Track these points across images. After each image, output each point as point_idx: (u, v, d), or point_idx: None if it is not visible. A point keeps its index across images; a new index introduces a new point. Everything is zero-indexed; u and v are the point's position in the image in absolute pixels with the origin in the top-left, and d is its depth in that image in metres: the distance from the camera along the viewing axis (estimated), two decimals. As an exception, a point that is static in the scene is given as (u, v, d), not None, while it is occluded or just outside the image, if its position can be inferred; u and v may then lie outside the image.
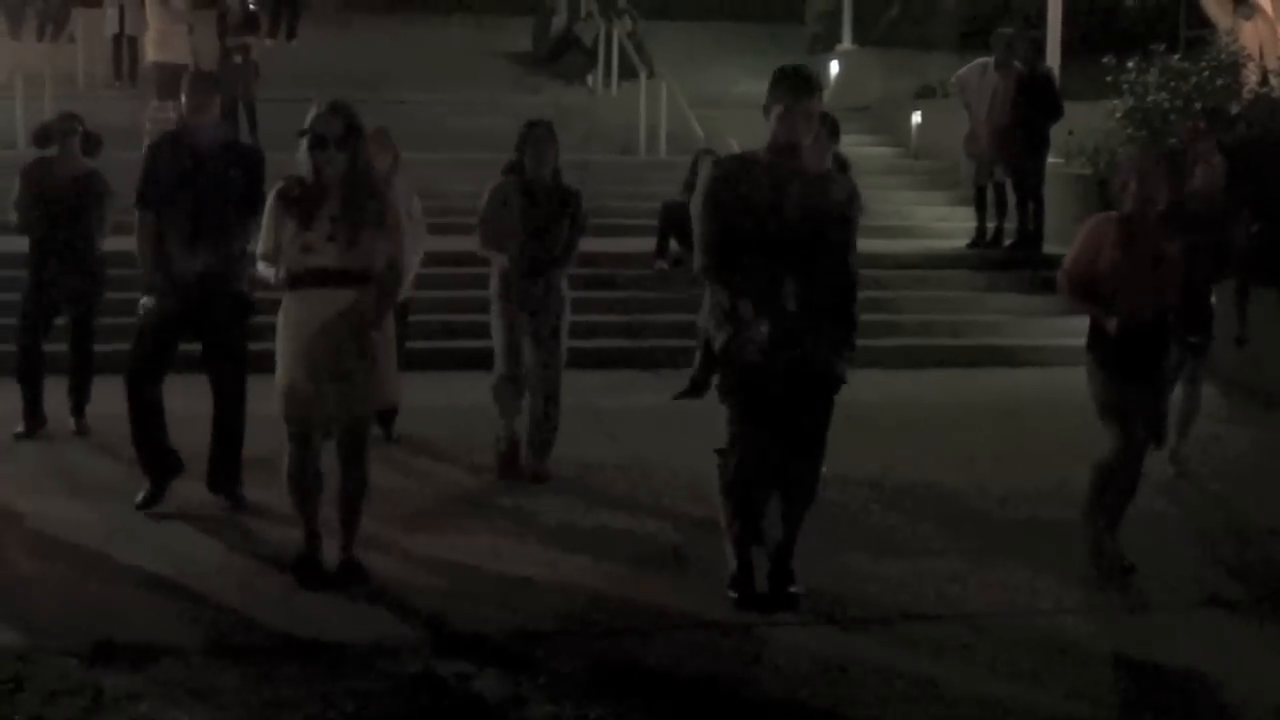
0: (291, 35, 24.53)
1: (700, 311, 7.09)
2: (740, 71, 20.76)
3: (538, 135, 9.18)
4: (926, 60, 22.16)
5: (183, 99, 8.41)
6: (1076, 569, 7.55)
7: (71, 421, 10.49)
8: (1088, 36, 20.43)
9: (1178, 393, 9.27)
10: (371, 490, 7.39)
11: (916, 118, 20.35)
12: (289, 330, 7.05)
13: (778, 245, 6.61)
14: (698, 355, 7.31)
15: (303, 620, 6.67)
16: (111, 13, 21.49)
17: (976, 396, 12.40)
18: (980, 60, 16.21)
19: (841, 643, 6.54)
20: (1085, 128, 16.96)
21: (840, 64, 23.27)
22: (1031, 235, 15.80)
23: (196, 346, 8.49)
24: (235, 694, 5.85)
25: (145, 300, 8.32)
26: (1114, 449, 7.54)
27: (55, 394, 10.52)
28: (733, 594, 6.94)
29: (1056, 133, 15.94)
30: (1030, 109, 15.28)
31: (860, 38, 23.80)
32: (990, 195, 16.28)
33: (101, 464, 9.58)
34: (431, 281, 12.09)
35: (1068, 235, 15.21)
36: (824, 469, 7.10)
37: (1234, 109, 15.76)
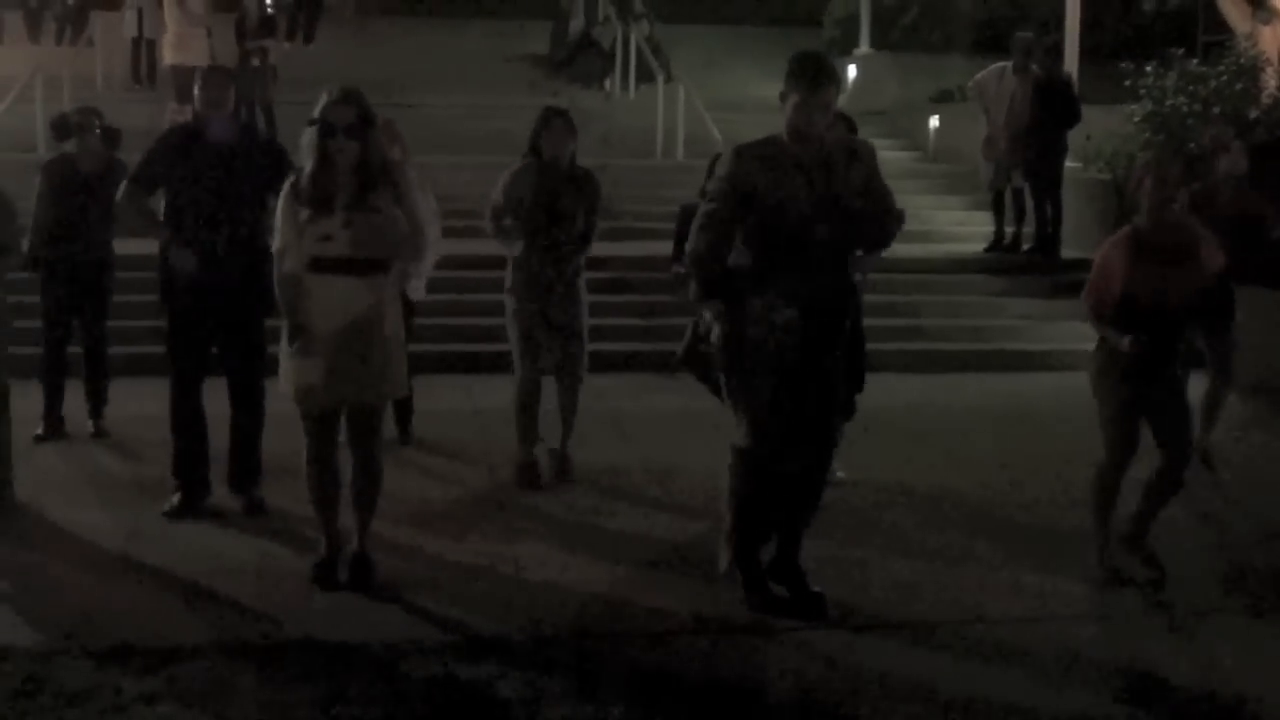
0: (309, 39, 24.59)
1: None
2: (758, 75, 20.72)
3: (556, 123, 9.22)
4: (944, 64, 22.13)
5: (197, 92, 8.45)
6: (1093, 574, 7.53)
7: (89, 424, 10.52)
8: (1106, 41, 20.43)
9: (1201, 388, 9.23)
10: (383, 490, 7.40)
11: (934, 122, 20.32)
12: (303, 317, 7.04)
13: (809, 220, 6.62)
14: (688, 335, 7.32)
15: (323, 622, 6.69)
16: (130, 16, 21.55)
17: (994, 401, 12.37)
18: (998, 65, 16.17)
19: (858, 648, 6.53)
20: (1103, 132, 16.94)
21: (858, 68, 23.24)
22: (1049, 239, 15.76)
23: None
24: (254, 695, 5.87)
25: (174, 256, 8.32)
26: (1108, 453, 7.54)
27: (75, 397, 10.56)
28: (748, 598, 6.95)
29: (1074, 137, 15.90)
30: (1048, 113, 15.24)
31: (878, 42, 23.77)
32: (1008, 199, 16.25)
33: (121, 466, 9.61)
34: (445, 285, 12.09)
35: (1086, 239, 15.31)
36: (835, 465, 7.10)
37: (1253, 114, 15.76)
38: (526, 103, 20.27)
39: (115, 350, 10.88)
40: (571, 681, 6.08)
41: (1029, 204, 15.99)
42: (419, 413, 9.98)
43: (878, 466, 9.31)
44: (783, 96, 6.73)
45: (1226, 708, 6.03)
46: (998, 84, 15.88)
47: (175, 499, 8.44)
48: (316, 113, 6.98)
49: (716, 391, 7.36)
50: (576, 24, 24.41)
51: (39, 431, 10.27)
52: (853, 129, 8.64)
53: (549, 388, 9.35)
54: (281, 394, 7.27)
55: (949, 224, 17.84)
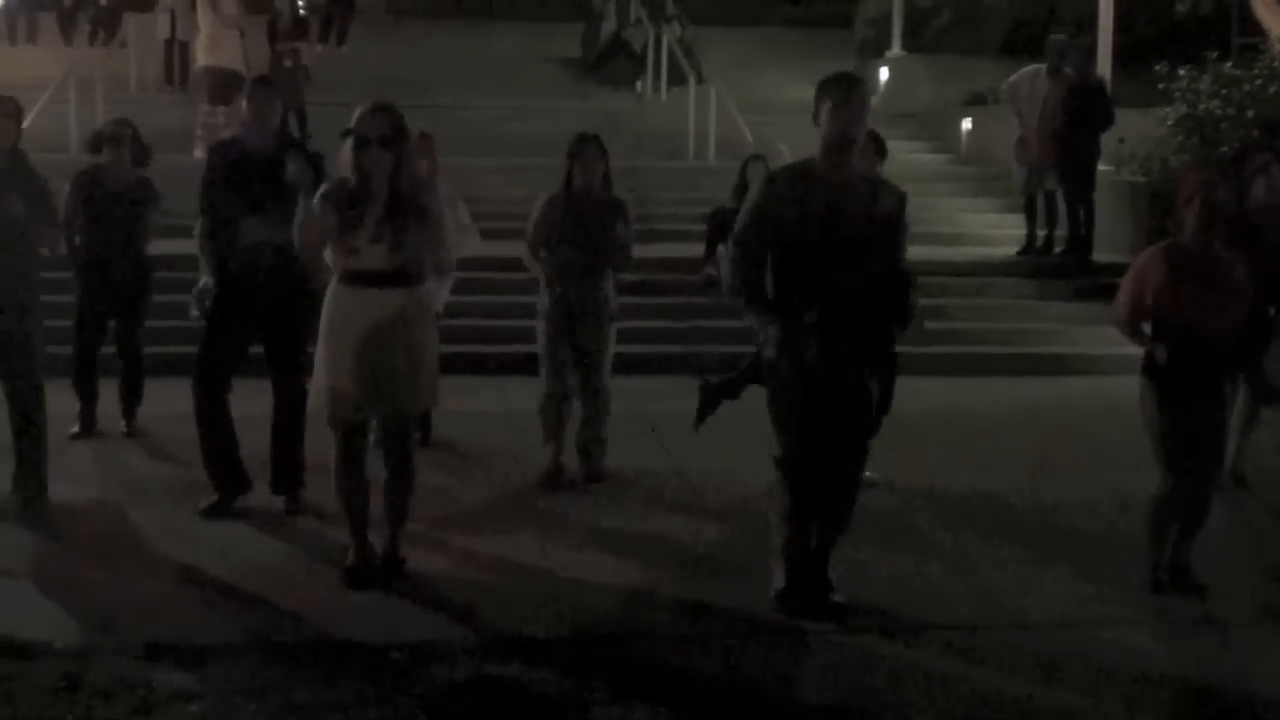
0: (342, 40, 24.64)
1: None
2: (790, 77, 20.71)
3: (588, 150, 9.25)
4: (976, 67, 22.07)
5: (244, 104, 8.51)
6: (1128, 580, 7.50)
7: (122, 424, 10.57)
8: (1140, 44, 20.36)
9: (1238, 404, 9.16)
10: (416, 491, 7.42)
11: (966, 124, 20.29)
12: (334, 329, 7.07)
13: (829, 256, 6.61)
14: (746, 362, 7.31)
15: (355, 621, 6.70)
16: (163, 18, 21.63)
17: (1026, 405, 12.35)
18: (1032, 67, 16.13)
19: (889, 651, 6.52)
20: (1137, 135, 16.89)
21: (890, 70, 23.21)
22: (1082, 243, 15.71)
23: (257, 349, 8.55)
24: (287, 694, 5.87)
25: (204, 282, 8.43)
26: (1163, 482, 7.47)
27: (110, 396, 10.61)
28: (780, 606, 6.94)
29: (1108, 140, 15.85)
30: (1082, 116, 15.19)
31: (910, 44, 23.71)
32: (1041, 203, 16.21)
33: (156, 465, 9.65)
34: (477, 286, 12.13)
35: (1119, 243, 15.29)
36: (867, 473, 7.08)
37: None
38: (558, 105, 20.38)
39: (148, 350, 10.91)
40: (601, 682, 6.07)
41: (1061, 207, 15.95)
42: (453, 413, 9.98)
43: (908, 470, 9.30)
44: (815, 114, 6.79)
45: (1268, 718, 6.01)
46: (1031, 86, 15.84)
47: (212, 498, 8.48)
48: (350, 125, 7.00)
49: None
50: (608, 26, 24.40)
51: (74, 430, 10.33)
52: (881, 151, 8.67)
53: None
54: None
55: (981, 227, 17.81)
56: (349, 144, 6.98)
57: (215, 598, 7.07)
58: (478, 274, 11.89)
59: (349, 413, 7.15)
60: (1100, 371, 13.06)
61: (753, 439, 7.16)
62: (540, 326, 9.32)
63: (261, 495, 8.56)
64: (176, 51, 21.66)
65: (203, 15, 19.24)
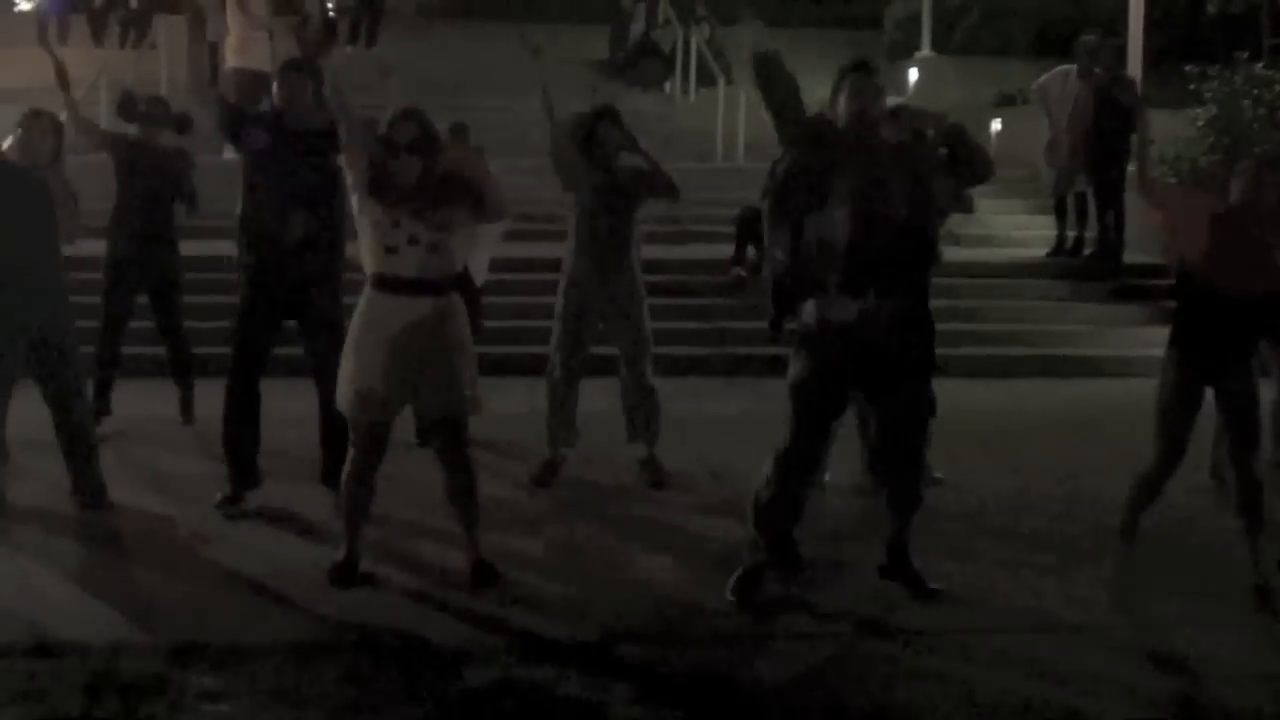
0: (371, 42, 24.66)
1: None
2: (819, 78, 20.50)
3: (607, 123, 9.34)
4: (1006, 67, 22.01)
5: (274, 88, 8.59)
6: (1160, 582, 7.47)
7: (179, 414, 10.72)
8: (1170, 44, 20.29)
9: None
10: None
11: (996, 125, 20.23)
12: (364, 332, 7.09)
13: (864, 212, 6.66)
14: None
15: (385, 623, 6.72)
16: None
17: (1055, 406, 12.32)
18: (1062, 68, 16.07)
19: (919, 654, 6.52)
20: (1167, 136, 16.81)
21: (919, 71, 23.16)
22: (1112, 245, 15.65)
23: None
24: (317, 695, 5.89)
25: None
26: (1155, 459, 7.49)
27: (139, 392, 10.63)
28: (731, 596, 7.03)
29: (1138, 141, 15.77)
30: (1112, 118, 15.12)
31: (939, 44, 23.66)
32: (1071, 204, 16.16)
33: (192, 461, 9.64)
34: (506, 288, 12.14)
35: (1149, 245, 15.21)
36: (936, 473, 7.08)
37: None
38: (587, 106, 20.35)
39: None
40: (632, 684, 6.08)
41: (1092, 209, 15.90)
42: (483, 413, 10.01)
43: (937, 472, 9.27)
44: (833, 101, 6.90)
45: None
46: (1061, 87, 15.78)
47: (226, 490, 8.53)
48: (379, 131, 7.03)
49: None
50: (637, 27, 24.41)
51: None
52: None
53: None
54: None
55: (1010, 228, 17.76)
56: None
57: (247, 597, 7.10)
58: (507, 275, 11.90)
59: (372, 415, 7.16)
60: (1132, 373, 13.00)
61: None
62: (563, 288, 9.37)
63: (290, 493, 8.58)
64: (206, 53, 21.72)
65: (232, 17, 19.29)
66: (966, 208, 8.46)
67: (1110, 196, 15.47)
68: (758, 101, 19.07)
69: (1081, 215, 16.08)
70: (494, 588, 7.18)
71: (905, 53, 24.17)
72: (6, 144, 8.55)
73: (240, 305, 8.54)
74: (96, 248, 10.64)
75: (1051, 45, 21.51)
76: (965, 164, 6.88)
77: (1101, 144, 15.13)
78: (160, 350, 11.02)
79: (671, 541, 8.14)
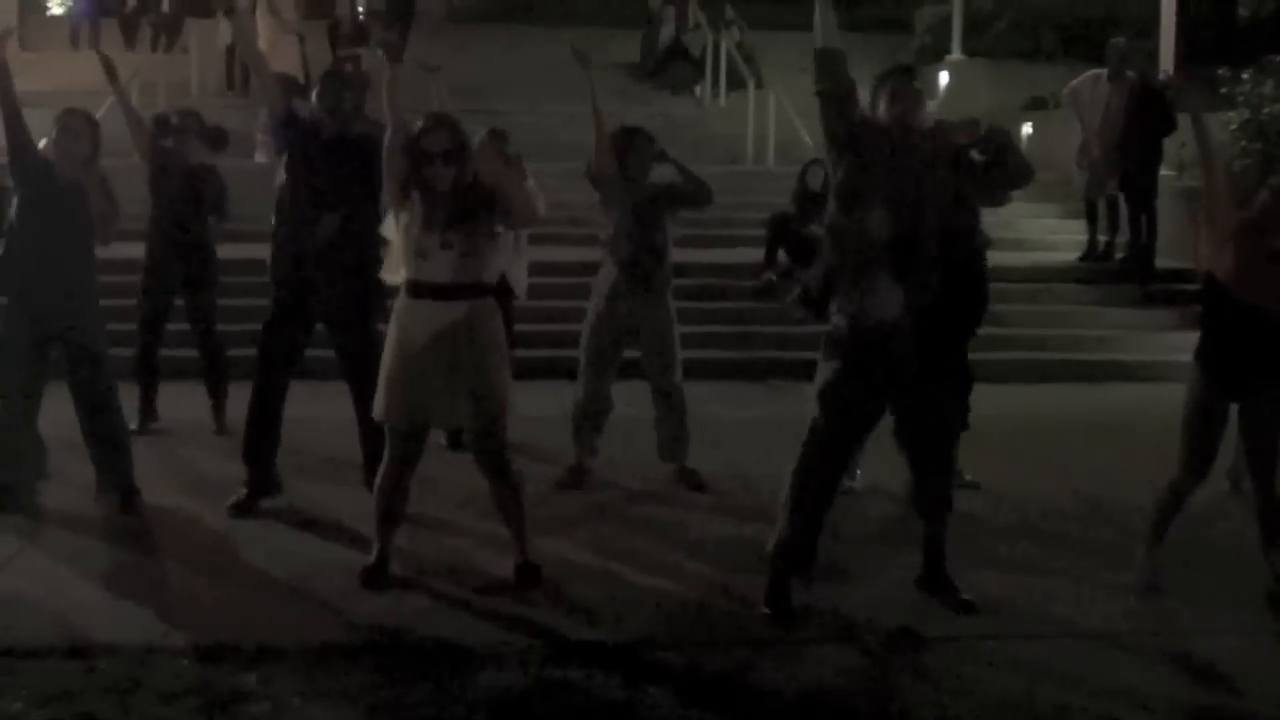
0: (403, 44, 24.69)
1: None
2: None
3: (639, 143, 9.34)
4: (1037, 71, 21.95)
5: (314, 97, 8.61)
6: (1189, 590, 7.44)
7: (212, 420, 10.74)
8: (1202, 47, 20.21)
9: None
10: (476, 494, 7.42)
11: (1027, 129, 20.17)
12: (400, 339, 7.11)
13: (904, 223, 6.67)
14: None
15: (414, 624, 6.72)
16: (224, 24, 21.71)
17: (1085, 411, 12.28)
18: (1093, 71, 16.04)
19: (946, 659, 6.50)
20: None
21: (949, 74, 23.10)
22: (1144, 249, 15.60)
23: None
24: (347, 696, 5.90)
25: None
26: (1180, 471, 7.44)
27: (176, 395, 10.68)
28: (766, 609, 6.99)
29: (1170, 145, 15.72)
30: (1144, 121, 15.08)
31: (970, 48, 23.60)
32: (1102, 208, 16.12)
33: (226, 464, 9.65)
34: (539, 292, 12.12)
35: (1180, 249, 15.16)
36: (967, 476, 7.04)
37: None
38: (617, 110, 20.33)
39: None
40: (662, 687, 6.07)
41: (1123, 213, 15.85)
42: (518, 417, 10.02)
43: (969, 475, 9.24)
44: (873, 105, 6.94)
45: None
46: (1092, 91, 15.74)
47: (240, 494, 8.55)
48: (411, 138, 7.05)
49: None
50: (667, 31, 24.41)
51: (133, 426, 10.42)
52: None
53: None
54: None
55: (1042, 232, 17.72)
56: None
57: (278, 598, 7.12)
58: (541, 279, 11.86)
59: (408, 422, 7.18)
60: (1161, 378, 12.94)
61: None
62: (593, 307, 9.39)
63: (319, 495, 8.60)
64: (238, 57, 21.79)
65: (263, 21, 19.35)
66: (997, 202, 8.48)
67: (1142, 201, 15.42)
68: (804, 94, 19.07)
69: (1113, 220, 16.04)
70: (538, 590, 7.19)
71: (935, 56, 24.11)
72: (42, 145, 8.57)
73: (270, 308, 8.56)
74: (131, 250, 10.68)
75: (1082, 48, 21.46)
76: (1004, 168, 6.90)
77: (1133, 148, 15.09)
78: (195, 353, 11.04)
79: (701, 545, 8.14)
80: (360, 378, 8.28)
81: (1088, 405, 12.58)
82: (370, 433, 8.26)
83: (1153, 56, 17.13)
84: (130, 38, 24.58)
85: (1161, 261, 15.47)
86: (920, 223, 6.67)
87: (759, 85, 20.65)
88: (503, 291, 8.67)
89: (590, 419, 9.35)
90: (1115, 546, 8.17)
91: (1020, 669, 6.40)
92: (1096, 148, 15.56)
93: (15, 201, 8.47)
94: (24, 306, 8.36)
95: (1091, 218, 16.22)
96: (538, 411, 10.56)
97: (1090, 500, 9.19)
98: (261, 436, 8.55)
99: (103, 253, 8.71)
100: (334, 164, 8.29)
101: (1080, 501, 9.17)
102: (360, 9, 22.97)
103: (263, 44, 19.23)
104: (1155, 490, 7.66)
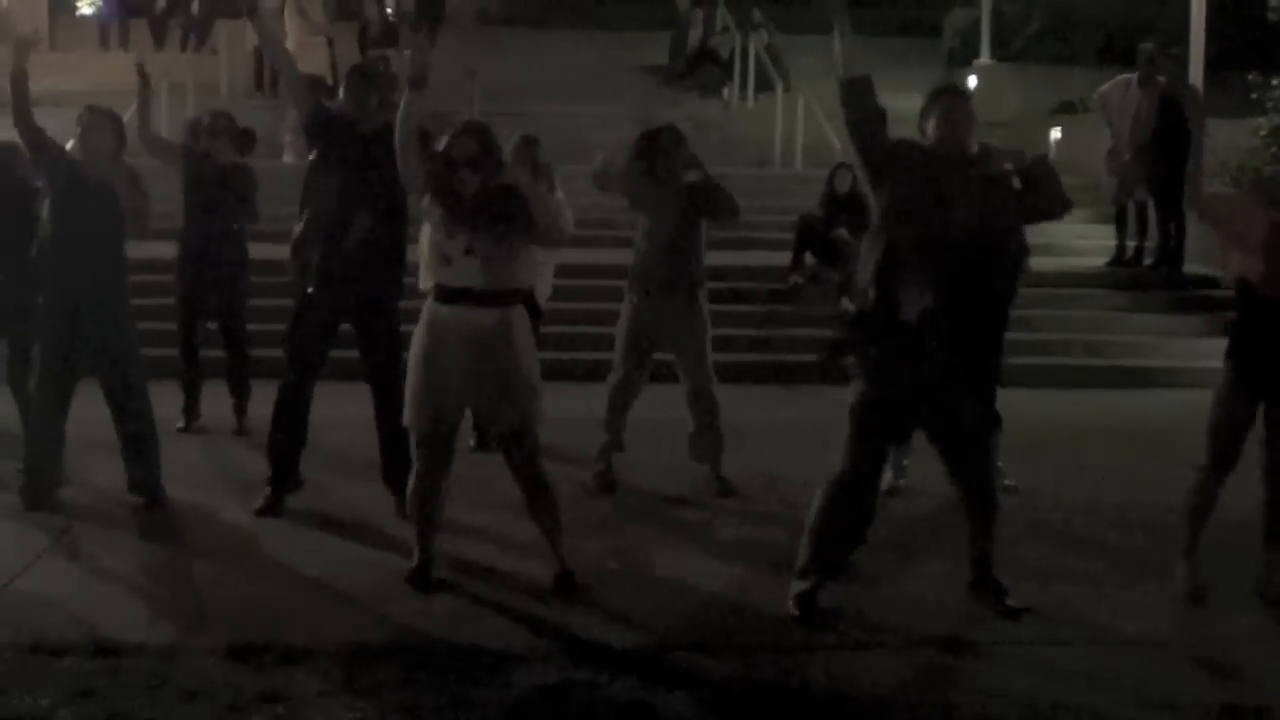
0: (431, 47, 24.71)
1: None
2: (878, 85, 20.59)
3: (666, 144, 9.29)
4: (1066, 76, 21.89)
5: (342, 93, 8.66)
6: (1224, 596, 7.40)
7: (234, 420, 10.73)
8: (1232, 52, 20.13)
9: None
10: (503, 496, 7.41)
11: (1056, 134, 20.12)
12: (426, 344, 7.11)
13: (947, 230, 6.68)
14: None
15: (442, 626, 6.73)
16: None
17: (1113, 417, 12.24)
18: (1123, 76, 15.99)
19: (971, 664, 6.49)
20: (1229, 146, 16.68)
21: (978, 79, 23.03)
22: (1173, 255, 15.56)
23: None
24: (372, 697, 5.90)
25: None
26: (1205, 469, 7.43)
27: (219, 395, 10.76)
28: (794, 611, 6.96)
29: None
30: (1173, 126, 15.02)
31: (999, 52, 23.56)
32: (1131, 213, 16.07)
33: (244, 461, 9.70)
34: (568, 294, 12.13)
35: (1209, 255, 15.09)
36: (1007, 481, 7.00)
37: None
38: (645, 113, 20.33)
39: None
40: (689, 692, 6.06)
41: (1152, 218, 15.80)
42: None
43: (1009, 479, 9.21)
44: (922, 125, 7.00)
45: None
46: (1122, 96, 15.70)
47: (265, 496, 8.56)
48: (439, 146, 7.07)
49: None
50: (695, 34, 24.38)
51: (180, 424, 10.46)
52: None
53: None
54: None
55: (1070, 237, 17.64)
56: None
57: (305, 598, 7.13)
58: (568, 281, 11.86)
59: (436, 427, 7.19)
60: (1189, 384, 12.87)
61: (835, 448, 7.10)
62: (628, 299, 9.40)
63: (348, 495, 8.61)
64: (266, 58, 21.84)
65: (291, 23, 19.39)
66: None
67: (1171, 206, 15.36)
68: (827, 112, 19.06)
69: (1142, 225, 15.99)
70: (574, 595, 7.19)
71: (964, 60, 24.08)
72: (69, 145, 8.61)
73: (297, 307, 8.57)
74: (163, 249, 10.71)
75: (1112, 53, 21.40)
76: (1040, 196, 6.90)
77: (1163, 153, 15.03)
78: (219, 353, 11.06)
79: (727, 549, 8.13)
80: (384, 379, 8.29)
81: (1116, 410, 12.53)
82: (390, 433, 8.28)
83: (1182, 61, 17.05)
84: (160, 38, 24.63)
85: (1190, 267, 15.43)
86: (968, 235, 6.65)
87: (787, 88, 20.62)
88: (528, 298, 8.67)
89: (618, 420, 9.36)
90: (1146, 551, 8.15)
91: (1052, 675, 6.38)
92: (1126, 152, 15.51)
93: (46, 202, 8.51)
94: (57, 304, 8.40)
95: (1121, 223, 16.17)
96: (560, 414, 10.58)
97: (1119, 505, 9.15)
98: (288, 436, 8.56)
99: (135, 253, 8.73)
100: (363, 163, 8.28)
101: (1109, 506, 9.13)
102: (389, 10, 22.97)
103: (291, 45, 19.26)
104: (1184, 496, 7.64)
